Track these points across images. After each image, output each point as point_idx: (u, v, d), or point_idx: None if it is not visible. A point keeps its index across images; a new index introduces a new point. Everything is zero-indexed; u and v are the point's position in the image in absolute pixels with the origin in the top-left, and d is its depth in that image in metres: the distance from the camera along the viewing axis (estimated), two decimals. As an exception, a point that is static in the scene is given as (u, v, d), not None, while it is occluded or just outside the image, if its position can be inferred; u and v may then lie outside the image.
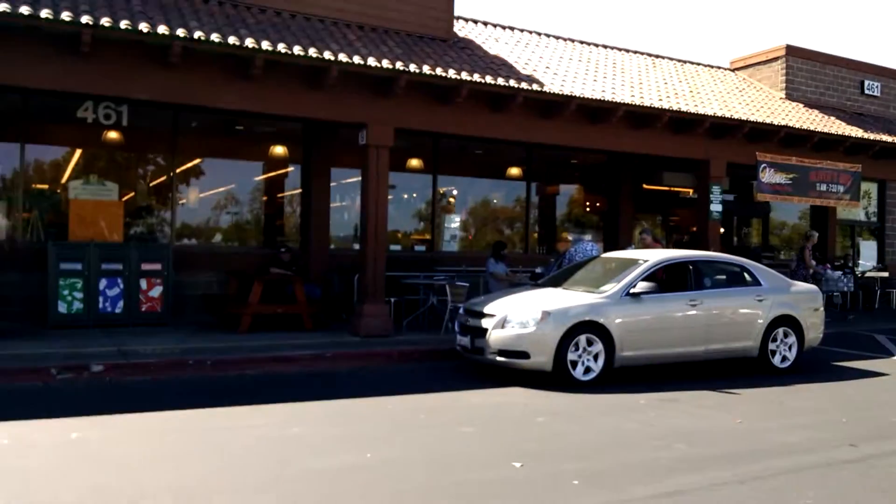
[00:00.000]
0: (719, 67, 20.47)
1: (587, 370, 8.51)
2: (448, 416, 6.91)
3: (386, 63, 10.47)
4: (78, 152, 12.01)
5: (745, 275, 9.97)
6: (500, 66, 13.29)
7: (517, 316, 8.50)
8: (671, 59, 19.23)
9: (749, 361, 9.74)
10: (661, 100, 13.80)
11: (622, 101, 12.58)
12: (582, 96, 12.15)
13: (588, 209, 17.43)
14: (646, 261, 9.35)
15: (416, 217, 14.91)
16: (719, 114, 13.87)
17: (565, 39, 17.77)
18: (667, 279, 9.76)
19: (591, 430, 6.62)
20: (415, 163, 14.55)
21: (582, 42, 18.04)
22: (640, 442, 6.19)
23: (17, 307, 10.82)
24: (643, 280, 9.00)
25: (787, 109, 17.29)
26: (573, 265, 10.47)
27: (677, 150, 13.94)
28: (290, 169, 13.50)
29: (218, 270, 12.14)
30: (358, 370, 9.10)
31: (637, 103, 12.81)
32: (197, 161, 12.85)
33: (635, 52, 18.74)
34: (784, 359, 9.79)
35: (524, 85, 11.69)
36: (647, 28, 60.88)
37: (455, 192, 15.50)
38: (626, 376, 8.88)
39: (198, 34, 9.35)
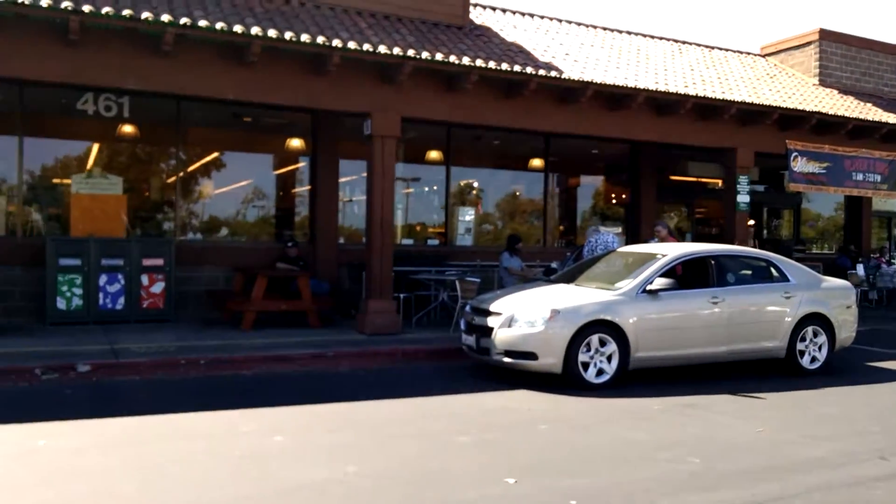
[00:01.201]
0: (749, 53, 19.70)
1: (600, 372, 8.00)
2: (444, 423, 6.46)
3: (389, 49, 10.01)
4: (80, 145, 11.76)
5: (772, 270, 9.36)
6: (516, 53, 12.82)
7: (525, 314, 8.01)
8: (698, 45, 18.53)
9: (776, 362, 9.14)
10: (686, 86, 13.17)
11: (642, 87, 11.96)
12: (599, 82, 11.57)
13: (611, 201, 16.84)
14: (664, 255, 8.79)
15: (434, 210, 14.45)
16: (746, 100, 13.18)
17: (587, 26, 17.19)
18: (687, 275, 9.20)
19: (598, 439, 6.13)
20: (434, 154, 14.13)
21: (605, 28, 17.44)
22: (649, 455, 5.68)
23: (18, 303, 10.63)
24: (661, 276, 8.45)
25: (820, 96, 16.52)
26: (587, 260, 9.95)
27: (702, 138, 13.27)
28: (301, 164, 13.13)
29: (224, 266, 11.86)
30: (359, 370, 8.69)
31: (658, 89, 12.18)
32: (203, 154, 12.54)
33: (661, 39, 18.10)
34: (813, 360, 9.17)
35: (533, 70, 11.13)
36: (675, 14, 59.60)
37: (476, 185, 15.05)
38: (642, 378, 8.35)
39: (184, 20, 8.94)
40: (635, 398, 7.60)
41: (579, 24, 17.01)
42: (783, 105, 13.65)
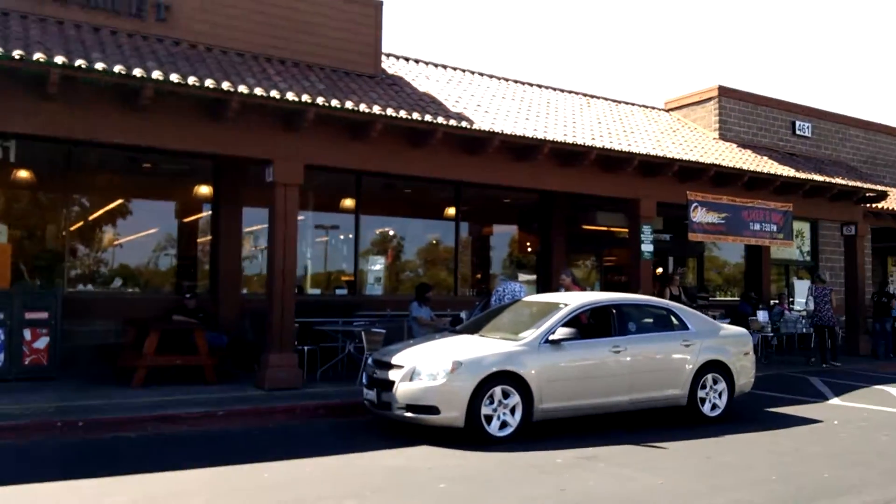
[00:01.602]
0: (654, 108, 20.47)
1: (503, 425, 7.82)
2: (333, 486, 6.12)
3: (292, 95, 9.83)
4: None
5: (672, 318, 9.48)
6: (428, 102, 12.92)
7: (426, 367, 7.80)
8: (606, 99, 19.15)
9: (678, 410, 9.19)
10: (593, 139, 13.47)
11: (547, 139, 12.15)
12: (505, 132, 11.68)
13: (526, 250, 16.97)
14: (566, 305, 8.77)
15: (344, 259, 14.16)
16: (648, 152, 13.58)
17: (499, 78, 17.54)
18: (590, 324, 9.22)
19: (496, 498, 5.91)
20: (344, 203, 13.95)
21: (516, 81, 17.83)
22: (546, 512, 5.51)
23: None
24: (563, 326, 8.41)
25: (719, 149, 17.22)
26: (492, 310, 9.86)
27: (607, 188, 13.56)
28: (206, 213, 12.66)
29: (118, 319, 11.19)
30: (252, 429, 8.24)
31: (564, 140, 12.40)
32: (100, 201, 11.97)
33: (570, 92, 18.62)
34: (714, 407, 9.27)
35: (442, 120, 11.17)
36: (584, 69, 61.92)
37: (392, 233, 14.90)
38: (546, 430, 8.22)
39: (79, 62, 8.57)
40: (538, 451, 7.45)
41: (491, 77, 17.30)
42: (683, 157, 14.13)
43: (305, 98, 9.92)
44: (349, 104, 10.25)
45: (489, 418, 7.75)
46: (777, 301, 17.84)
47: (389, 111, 10.66)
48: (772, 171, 15.66)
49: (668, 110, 20.64)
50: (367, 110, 10.34)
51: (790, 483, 6.49)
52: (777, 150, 19.63)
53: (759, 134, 19.91)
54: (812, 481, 6.57)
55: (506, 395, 7.84)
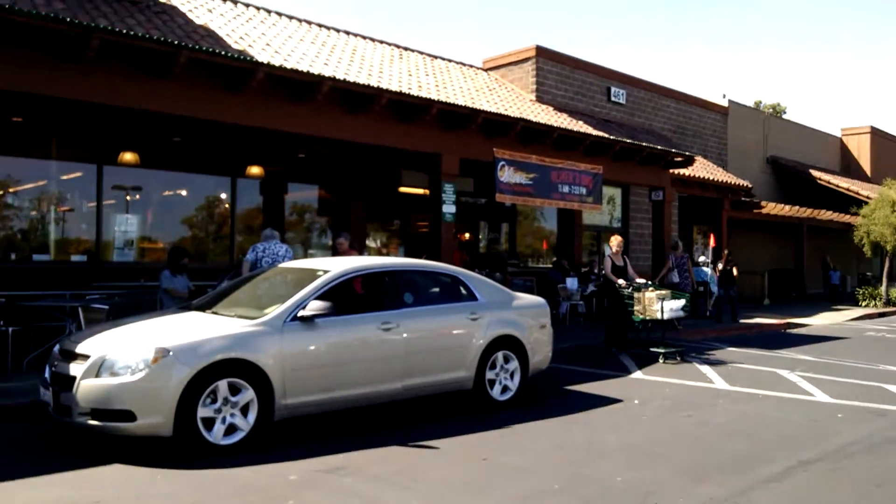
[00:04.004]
0: (472, 66, 19.29)
1: (231, 430, 5.97)
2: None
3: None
4: None
5: (460, 287, 7.99)
6: (203, 35, 11.04)
7: (120, 357, 5.76)
8: (421, 52, 17.68)
9: (465, 395, 7.77)
10: (400, 90, 11.81)
11: (325, 75, 10.27)
12: (267, 64, 9.68)
13: (326, 212, 15.10)
14: (325, 272, 7.01)
15: (84, 219, 11.55)
16: (446, 100, 12.10)
17: (300, 20, 15.68)
18: (362, 296, 7.56)
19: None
20: (127, 156, 11.40)
21: (321, 25, 15.99)
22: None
23: None
24: (318, 298, 6.65)
25: (535, 111, 16.32)
26: (238, 280, 7.91)
27: (403, 141, 11.87)
28: None
29: None
30: None
31: (344, 79, 10.60)
32: None
33: (381, 42, 17.06)
34: (505, 389, 7.94)
35: (177, 41, 9.01)
36: (401, 21, 60.24)
37: (176, 192, 12.50)
38: (294, 432, 6.51)
39: None
40: (272, 464, 5.70)
41: (292, 18, 15.45)
42: (486, 109, 12.82)
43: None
44: (34, 11, 7.80)
45: (210, 422, 5.86)
46: (587, 267, 17.13)
47: (101, 24, 8.31)
48: (582, 130, 14.78)
49: (486, 70, 19.53)
50: (75, 22, 7.92)
51: (575, 493, 5.18)
52: (593, 116, 19.11)
53: (575, 98, 19.28)
54: (601, 488, 5.29)
55: (235, 390, 6.00)
